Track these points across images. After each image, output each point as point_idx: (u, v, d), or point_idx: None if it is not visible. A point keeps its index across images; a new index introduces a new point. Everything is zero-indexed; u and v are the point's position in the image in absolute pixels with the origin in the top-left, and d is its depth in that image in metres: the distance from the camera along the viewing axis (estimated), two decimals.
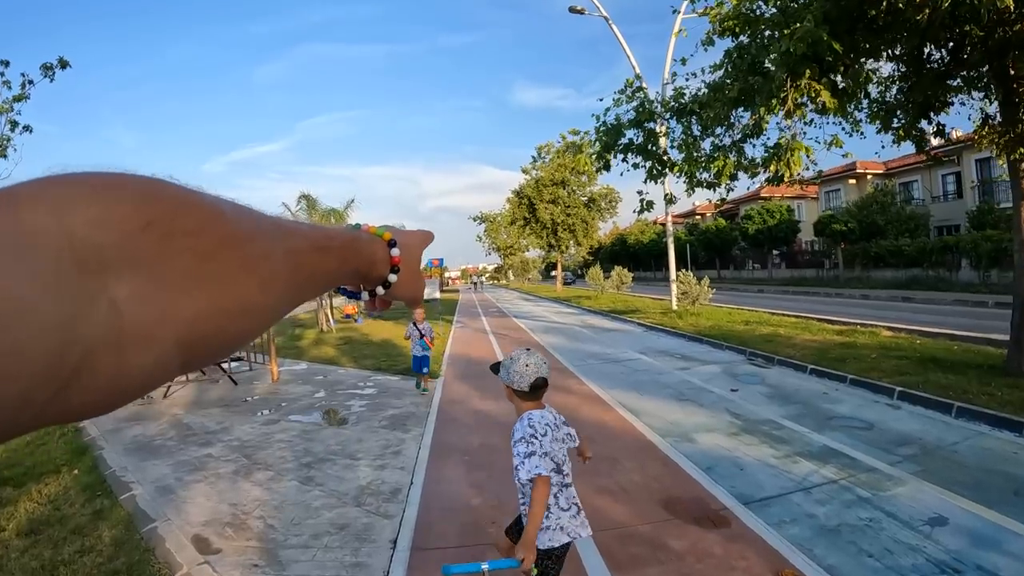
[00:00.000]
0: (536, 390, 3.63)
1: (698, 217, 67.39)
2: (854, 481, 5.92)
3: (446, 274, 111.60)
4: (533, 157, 52.82)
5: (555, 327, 23.34)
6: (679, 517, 5.46)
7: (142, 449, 9.02)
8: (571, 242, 52.69)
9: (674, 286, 24.48)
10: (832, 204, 44.81)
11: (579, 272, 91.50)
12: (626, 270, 35.80)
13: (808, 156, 8.71)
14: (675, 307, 23.88)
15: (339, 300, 46.86)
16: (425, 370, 11.76)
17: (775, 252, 46.54)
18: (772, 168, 8.53)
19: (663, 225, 73.94)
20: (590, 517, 5.63)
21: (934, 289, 26.27)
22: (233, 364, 14.76)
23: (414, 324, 11.82)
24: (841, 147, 10.02)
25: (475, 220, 66.86)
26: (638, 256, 71.84)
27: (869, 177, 41.99)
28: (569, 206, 50.72)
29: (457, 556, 5.12)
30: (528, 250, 69.74)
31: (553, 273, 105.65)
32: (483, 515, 5.85)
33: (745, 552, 4.71)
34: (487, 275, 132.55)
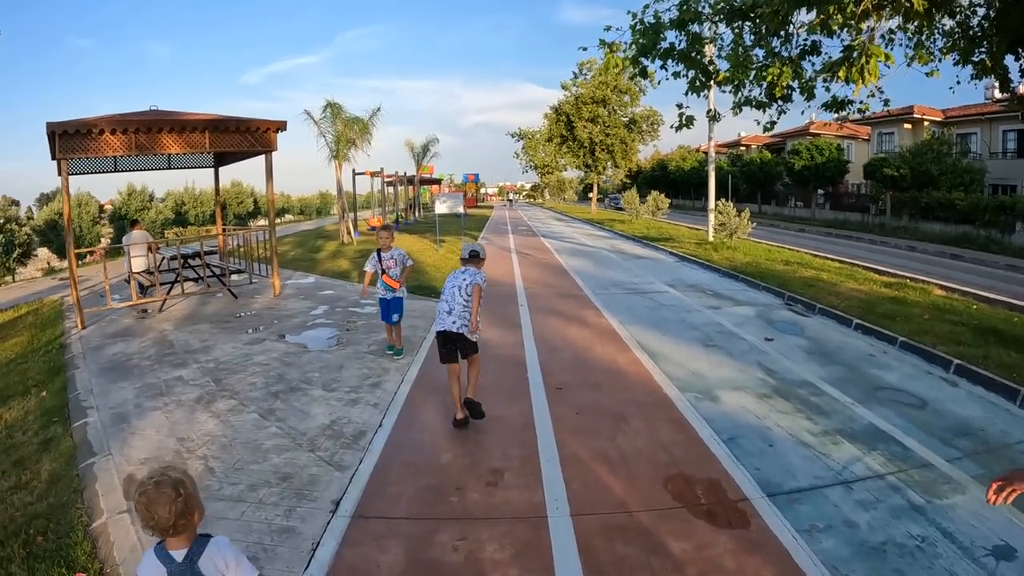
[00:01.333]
0: (464, 262, 6.60)
1: (742, 148, 64.24)
2: (905, 479, 4.75)
3: (482, 190, 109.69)
4: (574, 73, 49.85)
5: (583, 250, 22.15)
6: (686, 505, 4.43)
7: (116, 369, 8.27)
8: (609, 163, 50.58)
9: (712, 216, 22.98)
10: (884, 147, 41.91)
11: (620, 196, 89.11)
12: (663, 196, 34.05)
13: (887, 64, 7.15)
14: (711, 239, 22.47)
15: (364, 212, 46.02)
16: (395, 318, 8.32)
17: (820, 191, 44.32)
18: (841, 75, 7.00)
19: (705, 153, 71.48)
20: (579, 489, 4.69)
21: (984, 249, 24.20)
22: (233, 277, 13.84)
23: (377, 253, 8.25)
24: (925, 64, 8.46)
25: (513, 136, 64.85)
26: (677, 183, 69.17)
27: (926, 124, 38.91)
28: (609, 126, 48.34)
29: (403, 530, 4.19)
30: (565, 170, 67.76)
31: (590, 195, 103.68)
32: (449, 477, 4.89)
33: (762, 570, 3.66)
34: (524, 193, 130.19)
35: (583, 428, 5.86)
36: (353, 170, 30.64)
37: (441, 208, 22.63)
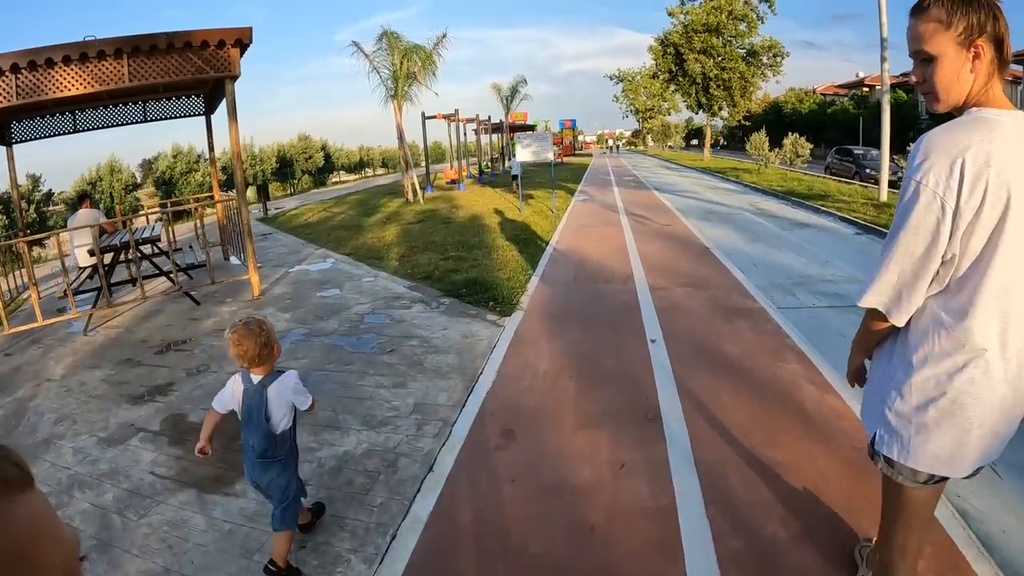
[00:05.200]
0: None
1: (866, 89, 55.21)
2: None
3: (579, 137, 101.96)
4: None
5: (716, 210, 15.72)
6: None
7: None
8: (725, 102, 42.81)
9: (885, 167, 16.44)
10: None
11: (723, 144, 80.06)
12: (803, 139, 26.79)
13: None
14: (884, 198, 15.98)
15: (439, 166, 40.77)
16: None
17: None
18: None
19: (824, 95, 62.25)
20: None
21: None
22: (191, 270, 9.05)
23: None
24: None
25: (611, 79, 58.02)
26: (794, 128, 60.34)
27: None
28: (724, 58, 40.85)
29: None
30: (669, 113, 60.29)
31: (694, 141, 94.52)
32: None
33: None
34: (624, 140, 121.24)
35: None
36: (422, 113, 25.34)
37: (523, 154, 16.45)
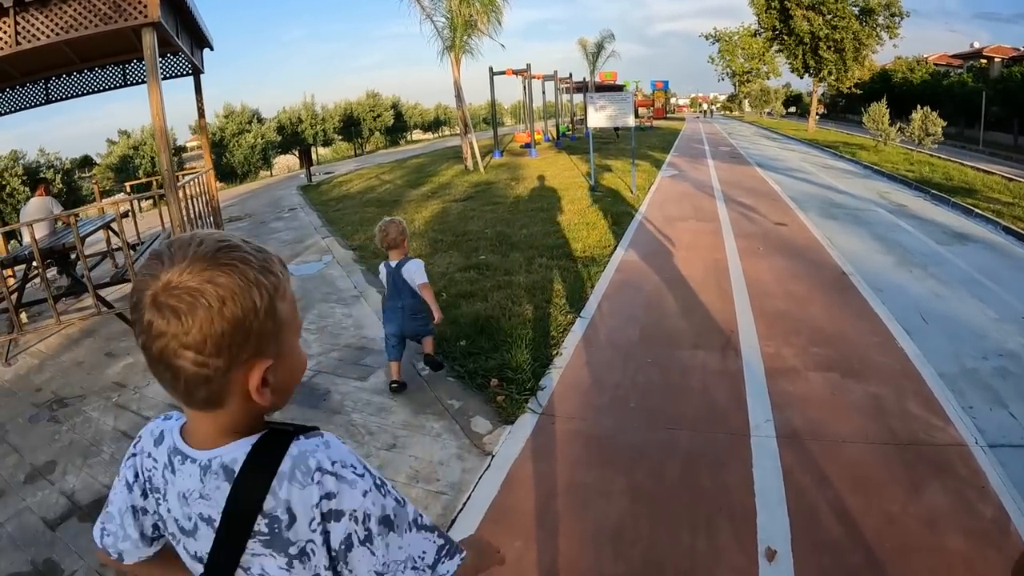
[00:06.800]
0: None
1: (983, 61, 48.18)
2: None
3: (671, 100, 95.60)
4: None
5: (840, 203, 11.85)
6: None
7: None
8: (835, 66, 37.36)
9: None
10: None
11: (824, 114, 72.62)
12: (935, 114, 22.11)
13: None
14: None
15: (506, 129, 37.36)
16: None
17: None
18: None
19: (937, 65, 54.91)
20: None
21: None
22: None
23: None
24: None
25: (707, 38, 52.88)
26: (903, 100, 53.61)
27: None
28: (835, 16, 35.50)
29: None
30: (768, 78, 54.79)
31: (793, 109, 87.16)
32: None
33: None
34: (719, 105, 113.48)
35: None
36: (490, 68, 22.24)
37: (596, 119, 13.12)
